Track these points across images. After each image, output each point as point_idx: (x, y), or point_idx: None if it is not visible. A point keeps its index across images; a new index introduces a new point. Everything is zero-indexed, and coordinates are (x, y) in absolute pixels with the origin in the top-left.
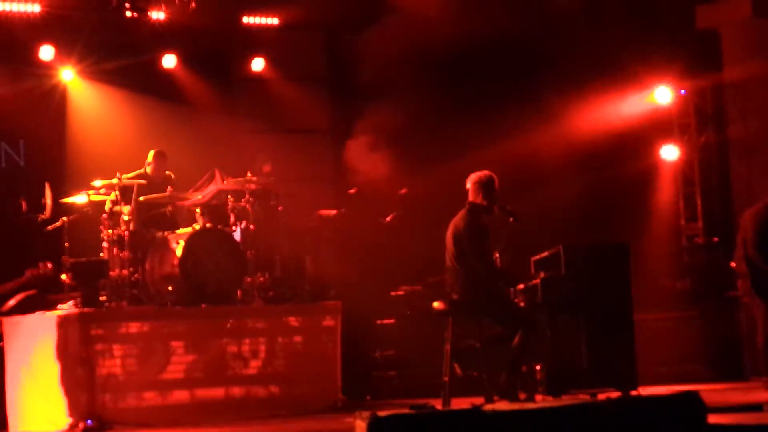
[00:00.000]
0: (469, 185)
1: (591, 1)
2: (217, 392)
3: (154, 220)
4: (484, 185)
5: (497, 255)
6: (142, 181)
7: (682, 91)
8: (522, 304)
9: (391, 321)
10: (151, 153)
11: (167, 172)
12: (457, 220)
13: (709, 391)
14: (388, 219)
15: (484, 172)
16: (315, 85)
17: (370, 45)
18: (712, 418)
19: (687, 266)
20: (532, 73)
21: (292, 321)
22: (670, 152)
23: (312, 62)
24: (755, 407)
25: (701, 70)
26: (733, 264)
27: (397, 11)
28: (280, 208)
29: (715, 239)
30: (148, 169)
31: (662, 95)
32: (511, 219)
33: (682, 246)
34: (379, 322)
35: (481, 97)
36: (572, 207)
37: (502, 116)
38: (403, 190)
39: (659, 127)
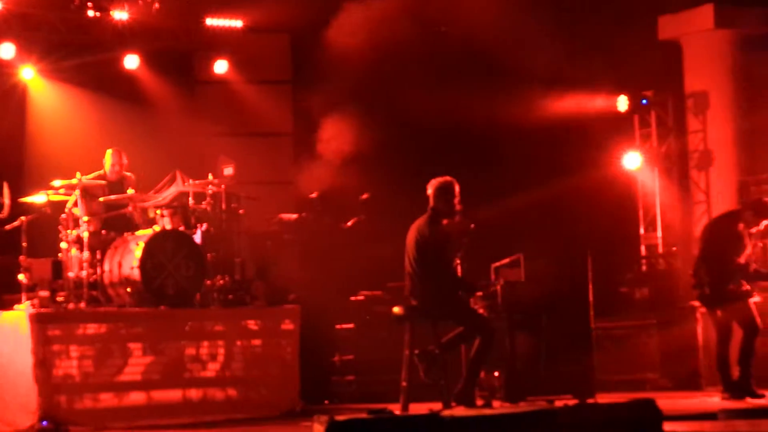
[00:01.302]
0: (430, 191)
1: (553, 10)
2: (175, 394)
3: (113, 220)
4: (445, 191)
5: (457, 261)
6: (102, 182)
7: (644, 101)
8: (481, 310)
9: (351, 326)
10: (109, 152)
11: (127, 173)
12: (418, 226)
13: (666, 400)
14: (349, 224)
15: (445, 178)
16: (278, 88)
17: (333, 47)
18: (668, 426)
19: (646, 275)
20: (493, 80)
21: (251, 324)
22: (631, 160)
23: (276, 65)
24: (710, 416)
25: (663, 79)
26: (691, 274)
27: (358, 13)
28: (241, 211)
29: (674, 249)
30: (107, 169)
31: (624, 104)
32: (473, 225)
33: (642, 255)
34: (338, 326)
35: (445, 103)
36: (533, 214)
37: (463, 123)
38: (365, 195)
39: (621, 136)
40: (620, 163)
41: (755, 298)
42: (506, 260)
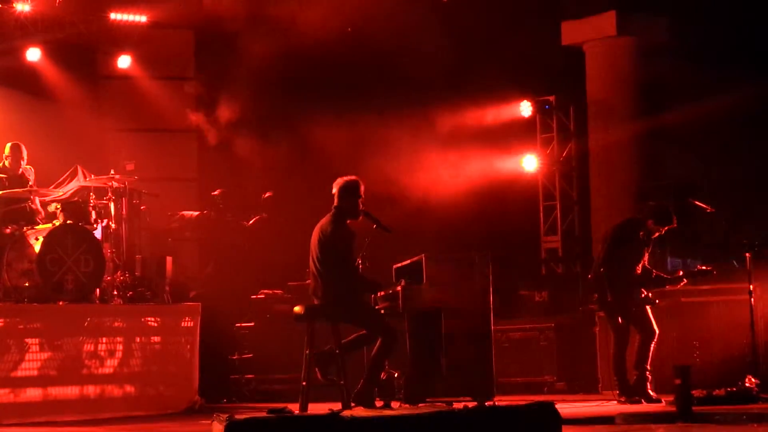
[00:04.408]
0: (335, 190)
1: (452, 16)
2: (72, 391)
3: (12, 214)
4: (349, 190)
5: (359, 261)
6: (2, 175)
7: (547, 106)
8: (382, 311)
9: (251, 324)
10: (8, 146)
11: (26, 166)
12: (322, 225)
13: (563, 403)
14: (251, 222)
15: (350, 177)
16: (182, 84)
17: (240, 46)
18: (567, 430)
19: (545, 278)
20: (395, 86)
21: (151, 321)
22: (530, 163)
23: (180, 61)
24: (608, 419)
25: (566, 85)
26: (590, 277)
27: (268, 15)
28: (142, 207)
29: (574, 253)
30: (6, 163)
31: (527, 109)
32: (375, 226)
33: (542, 258)
34: (238, 324)
35: (349, 106)
36: (435, 216)
37: (367, 126)
38: (268, 194)
39: (523, 140)
40: (520, 167)
41: (654, 304)
42: (407, 261)
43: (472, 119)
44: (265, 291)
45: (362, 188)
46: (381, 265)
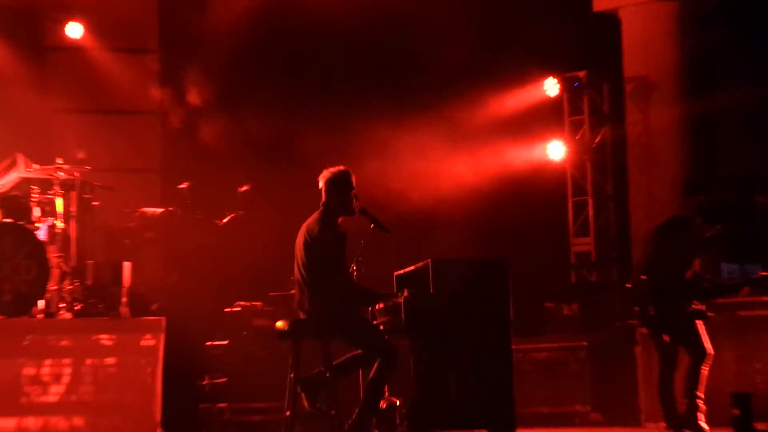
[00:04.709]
0: (321, 183)
1: None
2: (7, 423)
3: None
4: (339, 183)
5: (354, 267)
6: None
7: (575, 83)
8: (381, 326)
9: (225, 343)
10: None
11: None
12: (308, 225)
13: None
14: (225, 220)
15: (340, 168)
16: (143, 58)
17: (212, 13)
18: None
19: (576, 288)
20: (406, 68)
21: (105, 339)
22: (556, 151)
23: (140, 31)
24: None
25: (598, 59)
26: (629, 287)
27: None
28: (95, 203)
29: (609, 257)
30: None
31: (552, 87)
32: (372, 225)
33: (571, 264)
34: (210, 343)
35: (345, 87)
36: (445, 214)
37: (365, 112)
38: (245, 187)
39: (548, 125)
40: (545, 156)
41: (706, 318)
42: (411, 268)
43: (487, 102)
44: (242, 303)
45: (354, 180)
46: (379, 273)
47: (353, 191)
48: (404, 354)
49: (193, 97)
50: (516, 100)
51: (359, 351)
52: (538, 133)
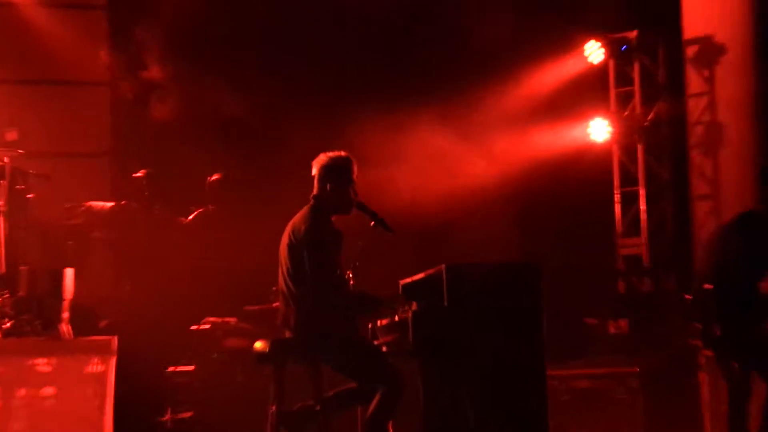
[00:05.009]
0: (315, 170)
1: None
2: None
3: None
4: (337, 172)
5: (350, 275)
6: None
7: (624, 47)
8: (384, 347)
9: (190, 368)
10: None
11: None
12: (294, 223)
13: None
14: (191, 217)
15: (339, 154)
16: (89, 15)
17: None
18: None
19: (624, 300)
20: (414, 37)
21: (41, 365)
22: (599, 130)
23: None
24: None
25: (652, 15)
26: (689, 299)
27: None
28: (30, 195)
29: (666, 262)
30: None
31: (595, 52)
32: (372, 224)
33: (618, 270)
34: (172, 369)
35: (342, 56)
36: (465, 212)
37: (372, 86)
38: (216, 176)
39: (590, 98)
40: (586, 137)
41: None
42: (421, 275)
43: (515, 75)
44: (212, 319)
45: (354, 169)
46: (382, 281)
47: (352, 185)
48: (412, 381)
49: (152, 65)
50: (550, 70)
51: (356, 378)
52: (577, 110)
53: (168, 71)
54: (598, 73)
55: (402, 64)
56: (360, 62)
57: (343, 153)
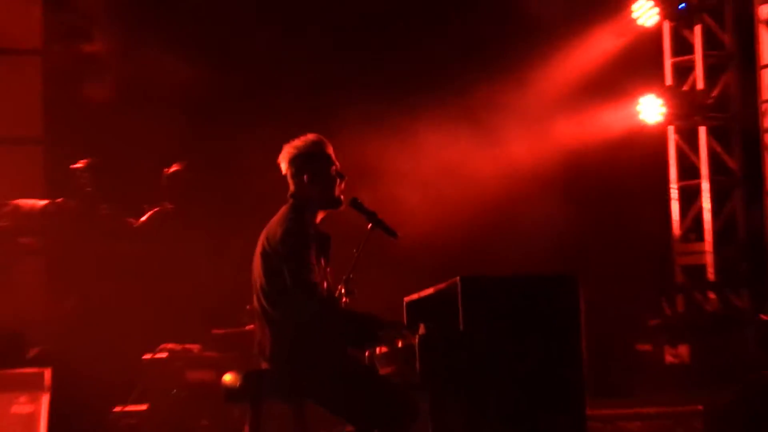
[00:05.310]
0: (284, 167)
1: None
2: None
3: None
4: (308, 161)
5: (341, 289)
6: None
7: (682, 5)
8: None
9: (143, 408)
10: None
11: None
12: (271, 227)
13: None
14: (144, 218)
15: (306, 138)
16: None
17: None
18: None
19: (684, 321)
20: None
21: None
22: (652, 110)
23: None
24: None
25: None
26: (766, 319)
27: None
28: None
29: (737, 273)
30: None
31: (646, 14)
32: (369, 225)
33: (677, 284)
34: (119, 409)
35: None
36: (487, 214)
37: (372, 63)
38: (174, 167)
39: (641, 71)
40: (635, 118)
41: None
42: (431, 290)
43: (548, 47)
44: (170, 346)
45: (331, 151)
46: (382, 298)
47: (334, 167)
48: (420, 416)
49: (94, 32)
50: (592, 39)
51: (350, 417)
52: (624, 85)
53: (114, 40)
54: (651, 40)
55: (407, 35)
56: (360, 34)
57: (311, 136)
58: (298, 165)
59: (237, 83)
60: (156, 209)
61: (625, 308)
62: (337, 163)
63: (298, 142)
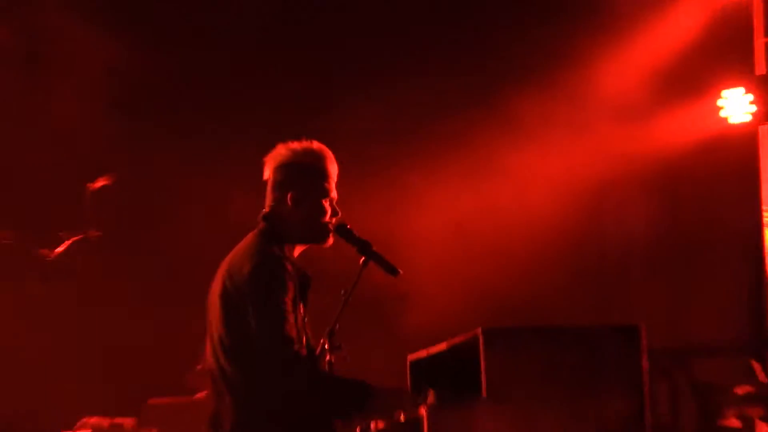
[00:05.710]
0: (267, 173)
1: None
2: None
3: None
4: (301, 174)
5: (325, 345)
6: None
7: None
8: None
9: None
10: None
11: None
12: (234, 260)
13: None
14: (61, 248)
15: (306, 145)
16: None
17: None
18: None
19: None
20: None
21: None
22: (737, 106)
23: None
24: None
25: None
26: None
27: None
28: None
29: None
30: None
31: None
32: (362, 260)
33: None
34: None
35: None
36: (510, 240)
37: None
38: (101, 181)
39: (720, 60)
40: (715, 117)
41: None
42: (442, 346)
43: (604, 36)
44: (94, 420)
45: (332, 170)
46: (377, 356)
47: (330, 194)
48: None
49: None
50: (661, 22)
51: None
52: (702, 76)
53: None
54: (733, 17)
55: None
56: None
57: (313, 144)
58: (285, 175)
59: (187, 68)
60: (76, 237)
61: (706, 360)
62: (335, 193)
63: (295, 147)
